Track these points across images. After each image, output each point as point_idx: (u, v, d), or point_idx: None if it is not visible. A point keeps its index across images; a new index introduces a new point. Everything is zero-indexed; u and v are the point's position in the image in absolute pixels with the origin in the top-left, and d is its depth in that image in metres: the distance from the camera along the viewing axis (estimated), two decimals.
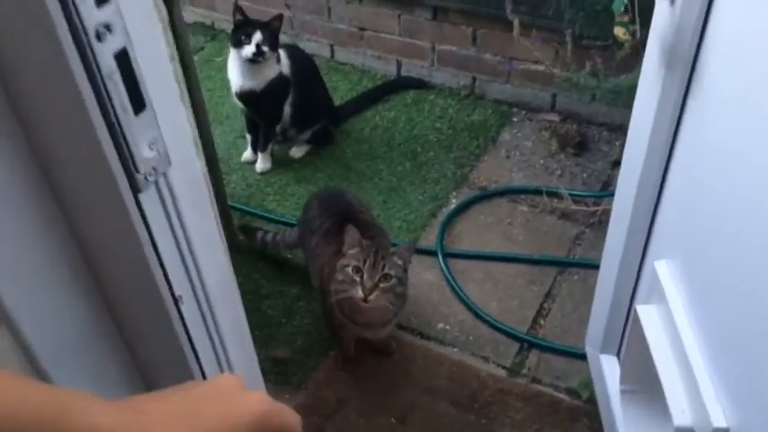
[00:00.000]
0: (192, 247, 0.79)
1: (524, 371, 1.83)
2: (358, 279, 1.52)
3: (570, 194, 2.26)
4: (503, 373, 1.83)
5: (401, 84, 2.85)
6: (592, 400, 1.73)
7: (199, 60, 2.99)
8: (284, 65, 2.37)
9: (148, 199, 0.71)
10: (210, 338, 0.91)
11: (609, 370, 1.49)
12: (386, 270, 1.52)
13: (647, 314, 1.14)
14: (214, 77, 2.91)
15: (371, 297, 1.52)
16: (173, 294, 0.79)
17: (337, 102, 2.71)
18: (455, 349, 1.90)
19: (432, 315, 1.99)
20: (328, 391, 1.79)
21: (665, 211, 1.18)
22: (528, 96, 2.67)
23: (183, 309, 0.81)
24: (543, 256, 2.13)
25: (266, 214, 2.29)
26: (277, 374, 1.82)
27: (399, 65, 2.89)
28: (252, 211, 2.30)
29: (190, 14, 3.18)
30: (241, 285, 2.07)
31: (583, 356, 1.80)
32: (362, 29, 2.89)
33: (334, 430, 1.71)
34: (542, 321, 1.96)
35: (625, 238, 1.23)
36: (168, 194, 0.73)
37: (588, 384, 1.75)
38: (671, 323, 1.07)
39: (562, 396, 1.77)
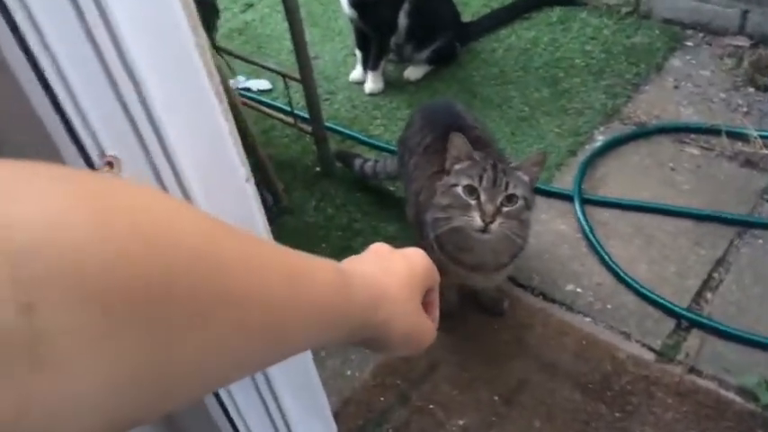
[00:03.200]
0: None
1: (680, 357, 1.37)
2: (473, 202, 1.13)
3: (761, 136, 1.72)
4: (649, 356, 1.39)
5: None
6: None
7: None
8: None
9: None
10: None
11: None
12: (510, 189, 1.12)
13: None
14: None
15: (494, 225, 1.12)
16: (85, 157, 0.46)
17: (467, 19, 2.30)
18: (587, 319, 1.47)
19: (560, 273, 1.57)
20: None
21: None
22: (708, 14, 2.11)
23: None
24: (717, 211, 1.62)
25: (369, 140, 1.95)
26: None
27: None
28: (353, 135, 1.97)
29: None
30: (332, 218, 1.77)
31: (765, 345, 1.32)
32: None
33: (420, 400, 1.36)
34: (709, 295, 1.48)
35: None
36: None
37: None
38: None
39: (731, 396, 1.30)
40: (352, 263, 0.48)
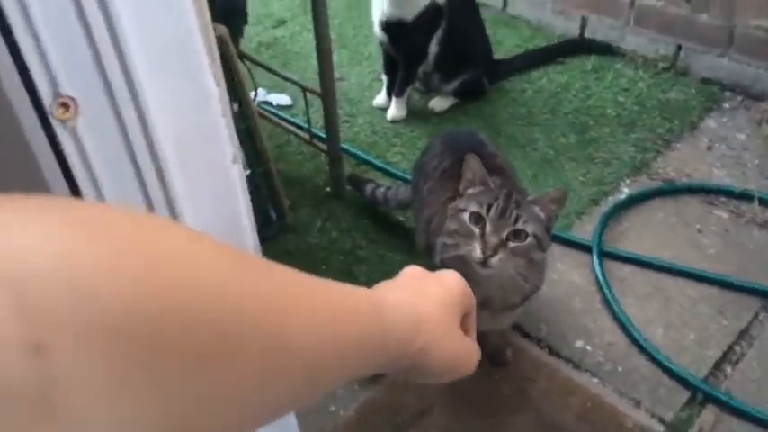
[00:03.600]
0: None
1: None
2: (477, 231, 1.04)
3: None
4: (659, 428, 1.27)
5: (582, 46, 2.33)
6: None
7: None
8: None
9: None
10: None
11: None
12: (519, 223, 1.03)
13: None
14: (362, 16, 2.56)
15: (494, 260, 1.03)
16: (35, 102, 0.38)
17: (498, 57, 2.25)
18: (594, 379, 1.36)
19: (570, 327, 1.46)
20: (410, 395, 1.33)
21: None
22: (749, 77, 2.04)
23: (64, 135, 0.40)
24: (743, 280, 1.52)
25: (385, 166, 1.88)
26: None
27: (584, 23, 2.36)
28: (368, 160, 1.90)
29: None
30: (336, 241, 1.68)
31: None
32: None
33: None
34: (729, 369, 1.37)
35: None
36: None
37: None
38: None
39: None
40: (386, 289, 0.45)
